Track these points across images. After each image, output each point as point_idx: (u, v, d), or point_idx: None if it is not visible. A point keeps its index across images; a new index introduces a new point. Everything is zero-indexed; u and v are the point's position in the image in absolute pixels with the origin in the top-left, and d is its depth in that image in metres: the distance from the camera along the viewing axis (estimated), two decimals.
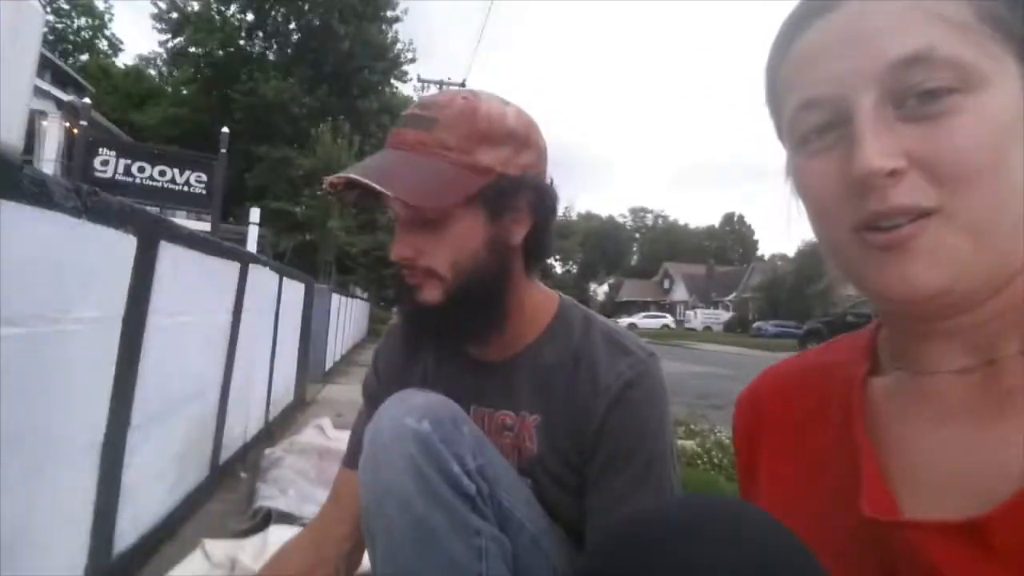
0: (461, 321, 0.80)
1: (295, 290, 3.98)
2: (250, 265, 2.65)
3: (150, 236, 1.57)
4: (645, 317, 43.42)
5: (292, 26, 24.07)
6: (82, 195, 1.22)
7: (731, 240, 75.87)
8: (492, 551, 0.71)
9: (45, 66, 20.72)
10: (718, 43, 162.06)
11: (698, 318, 44.91)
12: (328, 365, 6.39)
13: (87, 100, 10.58)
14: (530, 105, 0.85)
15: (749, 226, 78.26)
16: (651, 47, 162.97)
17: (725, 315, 44.97)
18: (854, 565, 0.47)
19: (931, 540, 0.41)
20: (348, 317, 8.19)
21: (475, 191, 0.75)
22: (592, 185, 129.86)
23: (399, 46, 25.23)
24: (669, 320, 45.12)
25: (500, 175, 0.76)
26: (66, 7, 32.22)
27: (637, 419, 0.80)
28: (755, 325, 35.04)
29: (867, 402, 0.52)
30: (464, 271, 0.78)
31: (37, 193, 1.06)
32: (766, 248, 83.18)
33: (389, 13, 24.81)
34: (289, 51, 23.94)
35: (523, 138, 0.79)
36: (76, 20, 33.56)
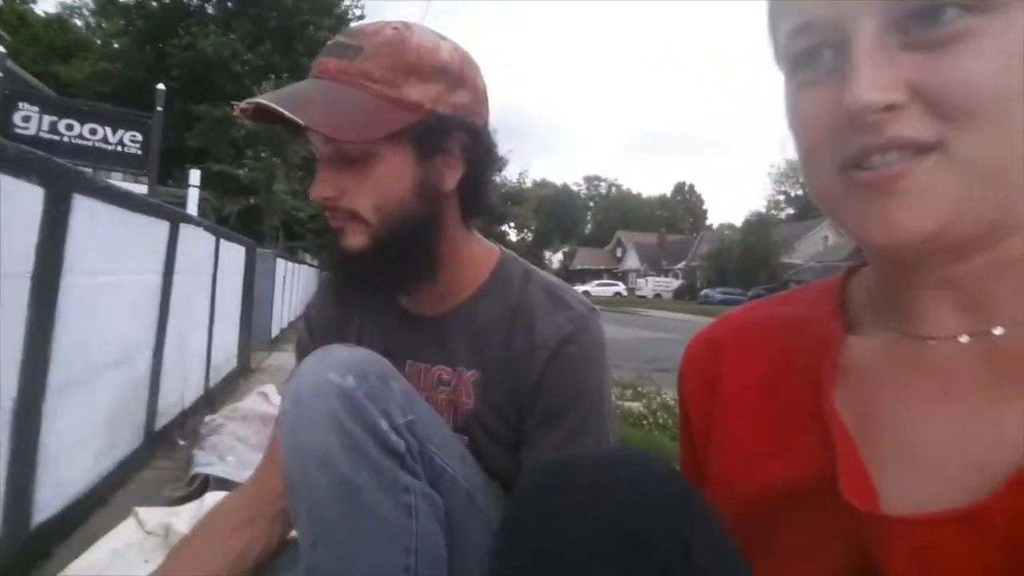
0: (388, 269, 0.75)
1: (235, 253, 3.83)
2: (181, 225, 2.52)
3: (61, 188, 1.45)
4: (598, 285, 44.00)
5: None
6: None
7: (682, 210, 77.25)
8: (423, 509, 0.68)
9: None
10: (677, 9, 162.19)
11: (649, 286, 45.89)
12: (275, 332, 6.23)
13: (2, 49, 9.80)
14: (483, 66, 0.79)
15: (700, 196, 79.82)
16: (610, 10, 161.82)
17: (675, 283, 46.10)
18: (822, 538, 0.45)
19: (919, 531, 0.39)
20: (296, 283, 7.98)
21: (400, 127, 0.70)
22: (546, 152, 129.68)
23: (346, 2, 24.27)
24: (621, 288, 45.90)
25: (429, 112, 0.71)
26: None
27: (575, 374, 0.78)
28: (703, 292, 36.02)
29: (847, 366, 0.49)
30: (390, 216, 0.73)
31: None
32: (715, 217, 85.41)
33: None
34: (230, 4, 22.64)
35: (457, 75, 0.73)
36: None
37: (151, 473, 2.41)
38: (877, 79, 0.38)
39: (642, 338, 11.17)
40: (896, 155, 0.39)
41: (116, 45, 23.00)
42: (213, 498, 1.93)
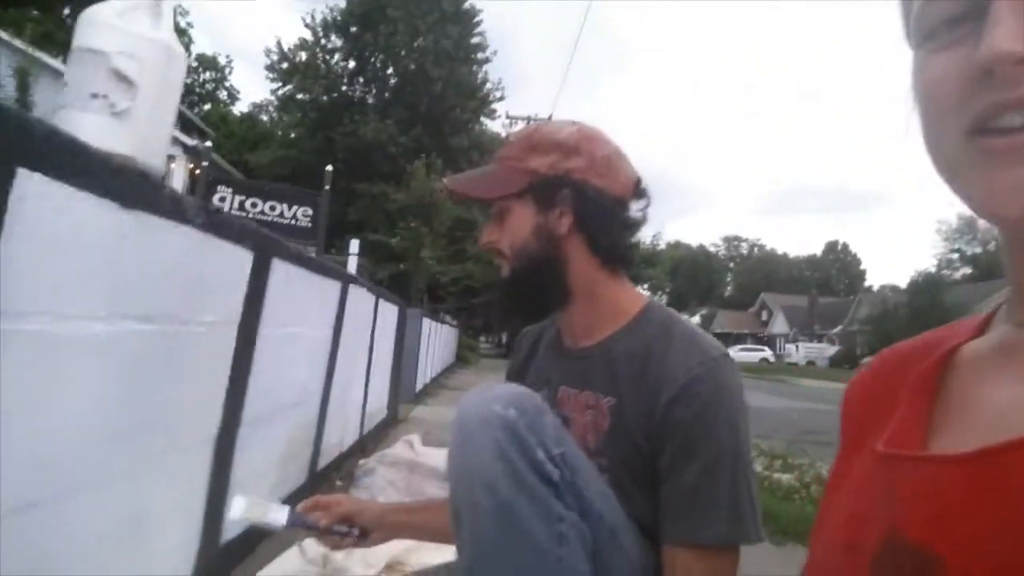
0: (522, 294, 0.97)
1: (390, 312, 4.19)
2: (350, 285, 2.84)
3: (265, 252, 1.74)
4: (742, 350, 41.15)
5: (390, 71, 25.57)
6: (209, 213, 1.40)
7: (835, 270, 71.55)
8: (572, 538, 0.73)
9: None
10: (810, 62, 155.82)
11: (800, 352, 42.24)
12: (419, 386, 6.60)
13: (208, 144, 11.70)
14: (616, 132, 0.99)
15: (855, 255, 73.60)
16: (740, 70, 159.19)
17: (830, 349, 42.04)
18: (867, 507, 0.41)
19: (926, 470, 0.37)
20: (438, 341, 8.44)
21: (521, 188, 0.93)
22: (681, 214, 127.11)
23: (488, 86, 26.19)
24: (768, 354, 42.72)
25: (544, 175, 0.92)
26: (195, 64, 36.06)
27: (703, 414, 0.82)
28: (864, 361, 32.46)
29: (957, 361, 0.45)
30: (518, 252, 0.95)
31: (174, 209, 1.23)
32: (874, 278, 77.74)
33: (480, 55, 25.88)
34: (387, 95, 25.41)
35: (571, 147, 0.93)
36: (202, 74, 37.44)
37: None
38: (1017, 30, 0.34)
39: (795, 408, 10.31)
40: None
41: (293, 135, 26.50)
42: None
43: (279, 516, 0.94)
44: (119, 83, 1.13)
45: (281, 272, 1.86)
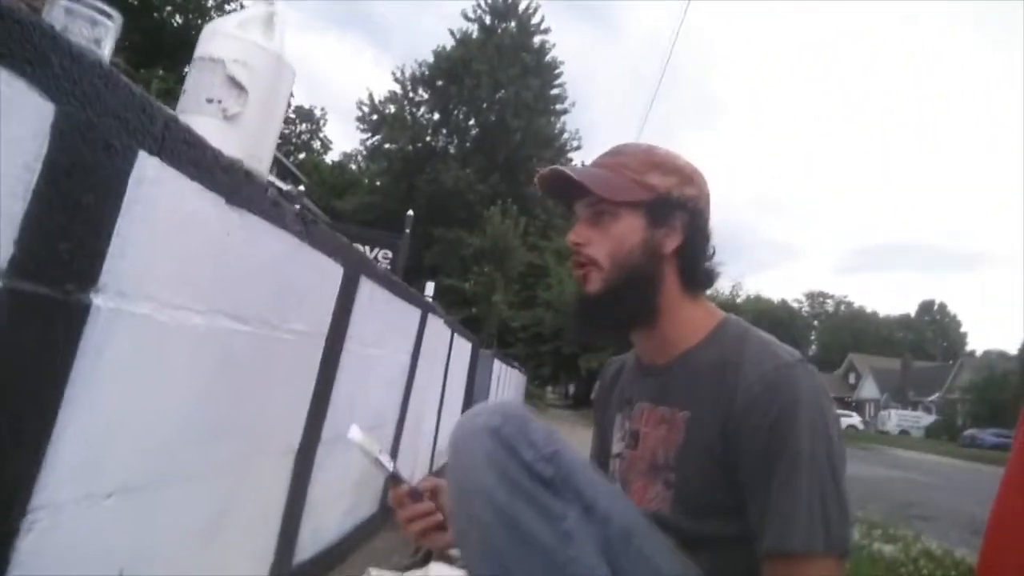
0: (615, 310, 0.93)
1: (463, 348, 4.19)
2: (428, 314, 2.85)
3: (355, 268, 1.76)
4: None
5: (472, 122, 26.64)
6: (306, 221, 1.42)
7: (930, 332, 66.59)
8: (580, 537, 0.74)
9: (272, 163, 24.82)
10: (902, 112, 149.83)
11: (892, 420, 39.03)
12: None
13: (302, 188, 12.40)
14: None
15: (953, 316, 68.39)
16: (829, 119, 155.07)
17: (927, 418, 38.74)
18: None
19: None
20: (507, 384, 8.37)
21: (640, 200, 0.92)
22: (762, 266, 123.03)
23: (565, 136, 26.75)
24: (856, 420, 39.62)
25: (663, 195, 0.92)
26: (292, 115, 38.94)
27: (779, 421, 0.80)
28: (967, 433, 29.74)
29: None
30: (619, 263, 0.92)
31: (273, 212, 1.25)
32: (976, 343, 71.90)
33: (559, 107, 26.57)
34: (468, 144, 26.39)
35: (688, 176, 0.95)
36: (299, 125, 40.30)
37: (382, 542, 2.60)
38: None
39: (889, 477, 9.47)
40: None
41: (378, 182, 27.84)
42: (436, 568, 2.02)
43: (388, 461, 0.95)
44: (232, 89, 1.18)
45: (367, 290, 1.87)
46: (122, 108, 0.78)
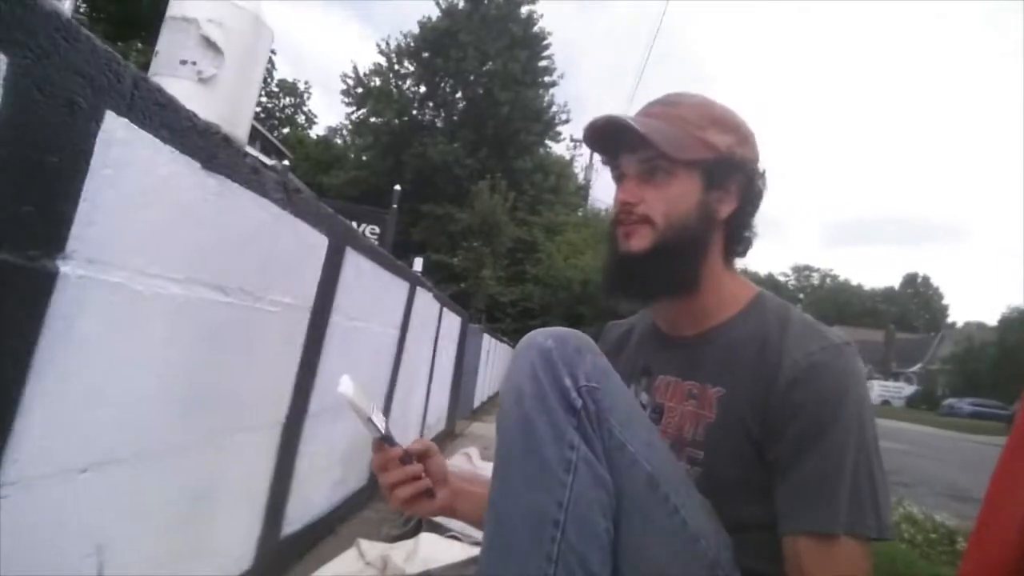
0: (662, 271, 0.87)
1: (453, 322, 4.16)
2: (417, 287, 2.82)
3: (340, 239, 1.72)
4: None
5: (459, 95, 26.19)
6: (288, 189, 1.38)
7: (914, 304, 67.55)
8: (582, 471, 0.73)
9: (255, 137, 24.43)
10: (888, 84, 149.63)
11: (875, 390, 39.79)
12: (476, 403, 6.54)
13: (286, 163, 12.20)
14: None
15: (936, 289, 69.35)
16: (813, 93, 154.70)
17: (908, 389, 39.54)
18: None
19: None
20: (497, 360, 8.39)
21: (701, 158, 0.86)
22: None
23: (554, 109, 26.40)
24: None
25: (723, 154, 0.86)
26: (275, 89, 38.19)
27: (826, 399, 0.77)
28: (946, 402, 30.40)
29: None
30: (674, 225, 0.86)
31: (253, 179, 1.21)
32: (958, 315, 73.08)
33: (547, 79, 26.18)
34: (455, 118, 25.98)
35: (746, 135, 0.90)
36: (282, 99, 39.55)
37: (372, 513, 2.61)
38: None
39: None
40: None
41: (365, 157, 27.43)
42: (427, 538, 2.03)
43: (381, 421, 0.90)
44: (207, 50, 1.13)
45: (354, 262, 1.83)
46: (85, 64, 0.74)
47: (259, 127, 25.58)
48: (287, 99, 40.30)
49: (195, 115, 0.98)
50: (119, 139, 0.81)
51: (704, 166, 0.86)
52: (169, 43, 1.13)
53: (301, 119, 40.74)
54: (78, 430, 0.85)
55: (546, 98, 26.36)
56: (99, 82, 0.77)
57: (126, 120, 0.82)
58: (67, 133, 0.73)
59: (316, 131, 39.49)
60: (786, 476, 0.78)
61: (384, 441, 0.91)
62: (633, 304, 1.01)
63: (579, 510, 0.72)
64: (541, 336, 0.79)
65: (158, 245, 0.95)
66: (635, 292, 0.94)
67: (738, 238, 0.92)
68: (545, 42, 26.15)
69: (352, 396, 0.87)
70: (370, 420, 0.88)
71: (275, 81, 37.79)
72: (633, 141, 0.85)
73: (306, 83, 42.64)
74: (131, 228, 0.88)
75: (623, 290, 0.94)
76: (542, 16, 25.98)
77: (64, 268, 0.75)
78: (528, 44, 25.33)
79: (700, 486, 0.83)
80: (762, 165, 0.93)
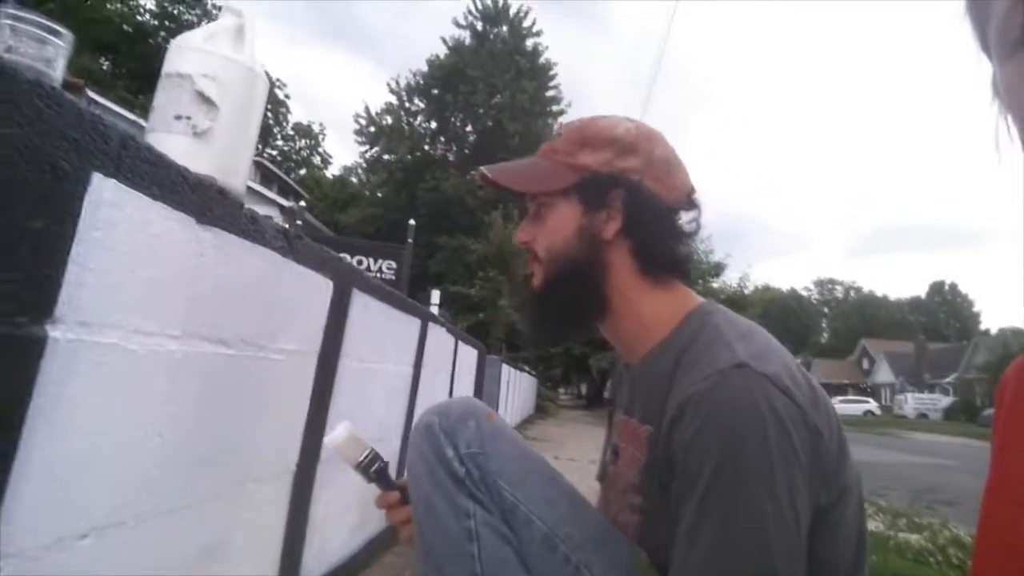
0: (558, 304, 0.86)
1: (469, 355, 4.13)
2: (429, 323, 2.80)
3: (346, 282, 1.72)
4: (843, 402, 37.87)
5: (469, 128, 26.64)
6: (289, 237, 1.38)
7: (943, 313, 66.03)
8: (486, 536, 0.75)
9: (272, 180, 24.95)
10: (906, 89, 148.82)
11: (909, 403, 38.61)
12: None
13: (303, 203, 12.43)
14: (697, 171, 0.91)
15: (965, 296, 67.77)
16: (832, 104, 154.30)
17: (944, 400, 38.30)
18: None
19: None
20: (517, 389, 8.31)
21: (569, 184, 0.85)
22: (769, 255, 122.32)
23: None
24: (873, 406, 39.26)
25: (594, 172, 0.84)
26: (291, 132, 39.19)
27: (694, 438, 0.67)
28: (985, 413, 29.41)
29: None
30: (556, 257, 0.85)
31: (251, 229, 1.21)
32: (990, 322, 71.27)
33: (554, 108, 26.52)
34: (466, 151, 26.38)
35: (627, 145, 0.84)
36: (298, 142, 40.55)
37: (394, 558, 2.55)
38: None
39: (910, 463, 9.35)
40: None
41: (380, 194, 27.87)
42: None
43: (380, 463, 0.93)
44: (201, 104, 1.13)
45: (361, 303, 1.82)
46: (70, 129, 0.74)
47: (276, 170, 26.16)
48: (303, 141, 41.38)
49: (187, 170, 0.98)
50: (107, 200, 0.81)
51: (578, 190, 0.84)
52: (165, 99, 1.14)
53: (317, 160, 41.78)
54: (76, 496, 0.83)
55: (555, 127, 26.67)
56: (85, 145, 0.77)
57: (114, 181, 0.82)
58: (52, 197, 0.73)
59: (332, 171, 40.49)
60: (678, 518, 0.69)
61: (377, 484, 0.94)
62: (558, 342, 1.03)
63: (494, 572, 0.75)
64: (427, 413, 0.84)
65: (153, 303, 0.94)
66: (547, 330, 0.95)
67: (648, 252, 0.84)
68: (551, 72, 26.58)
69: (339, 445, 0.90)
70: (361, 465, 0.90)
71: (290, 125, 38.81)
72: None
73: (320, 125, 44.00)
74: (124, 288, 0.87)
75: (537, 331, 0.95)
76: (547, 48, 26.52)
77: (53, 333, 0.75)
78: (535, 75, 25.78)
79: (643, 535, 0.77)
80: (671, 165, 0.86)
